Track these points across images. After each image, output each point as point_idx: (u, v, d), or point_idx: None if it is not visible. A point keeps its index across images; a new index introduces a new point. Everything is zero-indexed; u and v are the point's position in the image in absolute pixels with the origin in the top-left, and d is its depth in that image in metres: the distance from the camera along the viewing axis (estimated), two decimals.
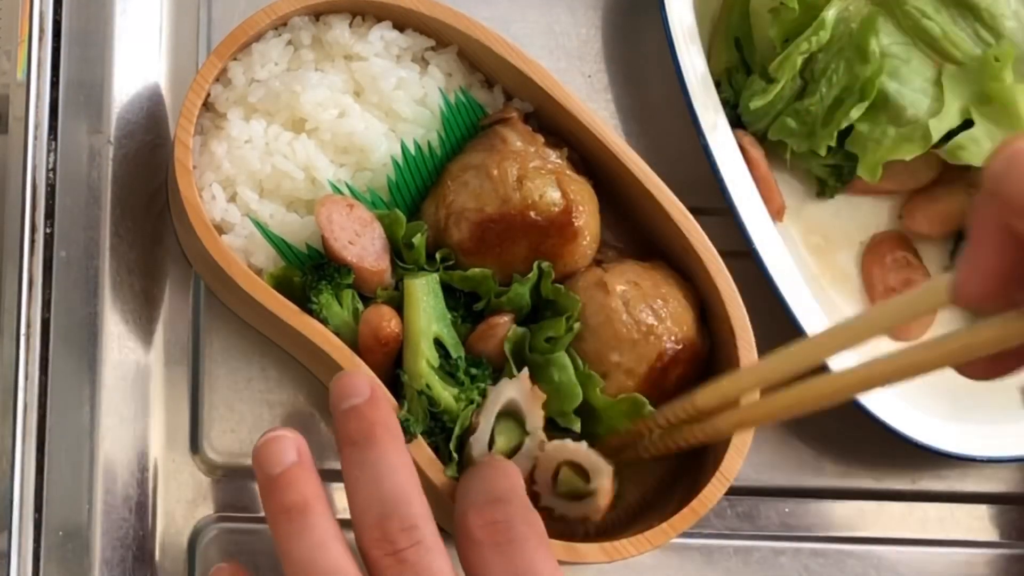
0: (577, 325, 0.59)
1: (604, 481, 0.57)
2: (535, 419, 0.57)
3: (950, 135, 0.64)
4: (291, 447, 0.51)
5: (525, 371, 0.58)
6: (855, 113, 0.64)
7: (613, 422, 0.59)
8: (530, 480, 0.58)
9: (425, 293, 0.59)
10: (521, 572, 0.49)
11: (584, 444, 0.57)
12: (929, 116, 0.64)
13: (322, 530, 0.49)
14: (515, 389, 0.57)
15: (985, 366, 0.42)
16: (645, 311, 0.59)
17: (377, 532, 0.49)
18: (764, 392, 0.54)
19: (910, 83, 0.64)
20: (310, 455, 0.51)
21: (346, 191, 0.61)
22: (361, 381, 0.53)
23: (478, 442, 0.58)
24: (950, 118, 0.64)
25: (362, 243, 0.59)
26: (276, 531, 0.49)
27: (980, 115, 0.64)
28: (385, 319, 0.58)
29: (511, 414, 0.58)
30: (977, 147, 0.64)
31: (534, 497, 0.58)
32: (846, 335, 0.47)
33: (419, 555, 0.48)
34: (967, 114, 0.64)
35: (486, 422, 0.57)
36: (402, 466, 0.51)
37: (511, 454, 0.58)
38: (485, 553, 0.50)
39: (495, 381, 0.60)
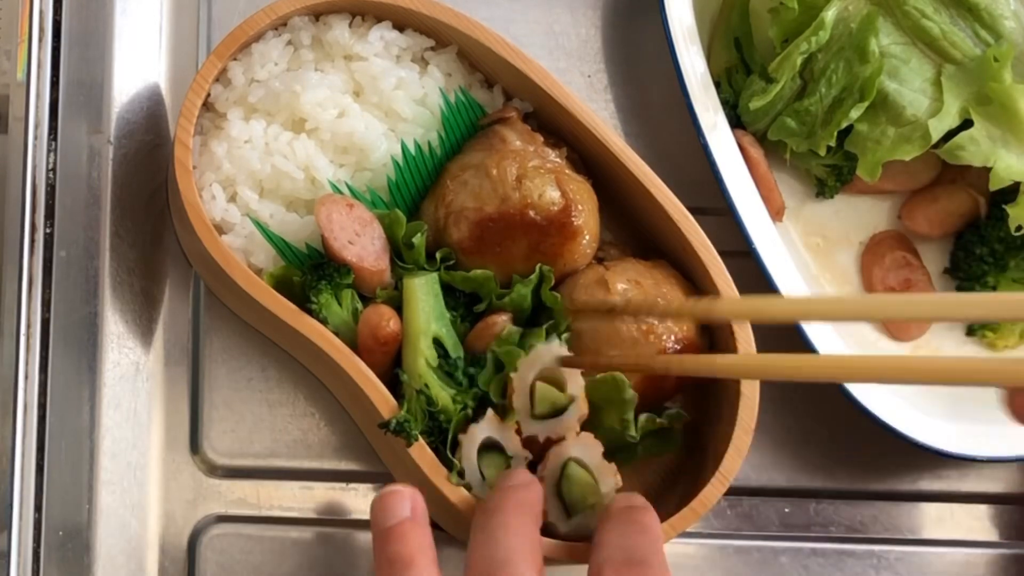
0: (565, 335, 0.60)
1: (578, 380, 0.58)
2: (513, 444, 0.58)
3: (949, 135, 0.64)
4: (406, 502, 0.52)
5: (490, 411, 0.58)
6: (855, 113, 0.64)
7: (593, 400, 0.59)
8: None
9: (425, 293, 0.59)
10: None
11: (556, 341, 0.58)
12: (928, 116, 0.64)
13: None
14: (486, 429, 0.58)
15: None
16: None
17: None
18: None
19: (909, 83, 0.64)
20: (425, 512, 0.53)
21: (346, 191, 0.61)
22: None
23: (472, 480, 0.58)
24: (950, 118, 0.64)
25: (362, 243, 0.59)
26: None
27: (979, 115, 0.64)
28: (384, 319, 0.58)
29: (491, 446, 0.59)
30: (976, 147, 0.64)
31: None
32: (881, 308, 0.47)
33: None
34: (966, 114, 0.64)
35: (469, 465, 0.58)
36: None
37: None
38: None
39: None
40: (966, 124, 0.64)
